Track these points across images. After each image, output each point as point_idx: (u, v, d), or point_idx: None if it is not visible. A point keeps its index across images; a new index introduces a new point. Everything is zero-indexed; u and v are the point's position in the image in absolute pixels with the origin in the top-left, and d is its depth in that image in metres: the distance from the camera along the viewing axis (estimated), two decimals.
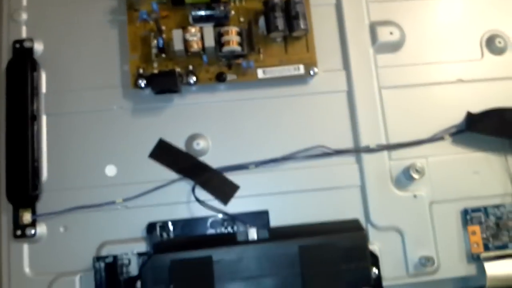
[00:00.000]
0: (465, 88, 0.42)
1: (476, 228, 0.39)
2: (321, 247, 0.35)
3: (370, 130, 0.40)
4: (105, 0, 0.41)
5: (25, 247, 0.37)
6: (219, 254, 0.34)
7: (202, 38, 0.38)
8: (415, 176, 0.38)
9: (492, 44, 0.42)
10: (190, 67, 0.39)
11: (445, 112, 0.41)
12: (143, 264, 0.36)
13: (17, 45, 0.40)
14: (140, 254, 0.37)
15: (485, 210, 0.39)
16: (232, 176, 0.39)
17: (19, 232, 0.37)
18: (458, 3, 0.43)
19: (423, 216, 0.39)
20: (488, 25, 0.43)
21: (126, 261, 0.37)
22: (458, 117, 0.41)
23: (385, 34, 0.41)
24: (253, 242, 0.36)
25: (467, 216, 0.39)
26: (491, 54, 0.42)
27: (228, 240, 0.36)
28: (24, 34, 0.41)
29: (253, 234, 0.36)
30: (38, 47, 0.40)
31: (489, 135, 0.40)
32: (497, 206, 0.39)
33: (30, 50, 0.40)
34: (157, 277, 0.34)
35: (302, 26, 0.39)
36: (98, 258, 0.36)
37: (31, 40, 0.40)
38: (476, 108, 0.40)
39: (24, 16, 0.41)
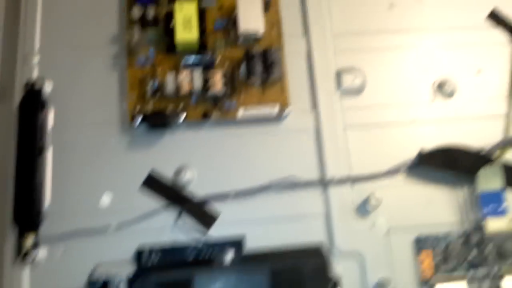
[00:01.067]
0: (419, 127, 0.47)
1: (429, 253, 0.44)
2: (289, 271, 0.41)
3: (335, 164, 0.45)
4: (109, 46, 0.46)
5: (27, 270, 0.41)
6: (199, 278, 0.40)
7: (191, 81, 0.44)
8: (374, 205, 0.44)
9: (442, 89, 0.48)
10: (180, 106, 0.44)
11: (401, 148, 0.46)
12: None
13: (29, 86, 0.45)
14: (129, 278, 0.41)
15: (436, 237, 0.44)
16: (214, 204, 0.44)
17: (22, 255, 0.41)
18: (413, 53, 0.49)
19: (381, 242, 0.44)
20: (439, 72, 0.49)
21: (116, 285, 0.40)
22: (412, 153, 0.46)
23: (349, 80, 0.47)
24: (228, 266, 0.41)
25: (420, 243, 0.44)
26: (441, 98, 0.48)
27: (208, 263, 0.41)
28: (35, 75, 0.46)
29: (229, 258, 0.41)
30: (48, 87, 0.45)
31: (439, 170, 0.46)
32: (447, 234, 0.44)
33: (40, 90, 0.45)
34: None
35: (277, 72, 0.45)
36: (90, 282, 0.40)
37: (41, 81, 0.45)
38: (428, 145, 0.46)
39: (36, 59, 0.46)
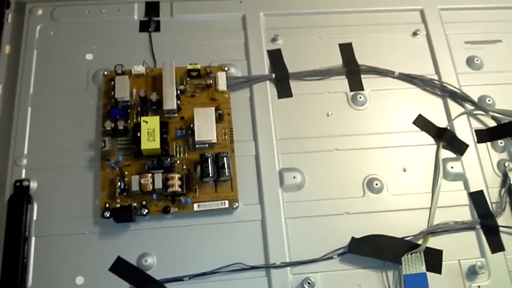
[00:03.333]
0: (351, 219, 0.54)
1: None
2: None
3: (277, 250, 0.52)
4: (86, 151, 0.55)
5: None
6: None
7: (153, 181, 0.52)
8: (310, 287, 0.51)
9: (371, 186, 0.56)
10: (144, 202, 0.52)
11: (335, 237, 0.53)
12: None
13: (17, 184, 0.53)
14: None
15: None
16: (171, 286, 0.50)
17: None
18: (346, 154, 0.57)
19: None
20: (368, 171, 0.57)
21: None
22: (345, 241, 0.53)
23: (290, 178, 0.55)
24: None
25: None
26: (370, 193, 0.56)
27: None
28: (23, 175, 0.54)
29: None
30: (33, 185, 0.53)
31: (367, 256, 0.52)
32: None
33: (27, 187, 0.53)
34: None
35: (227, 173, 0.53)
36: None
37: (28, 180, 0.53)
38: (359, 234, 0.53)
39: (24, 161, 0.55)
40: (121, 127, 0.54)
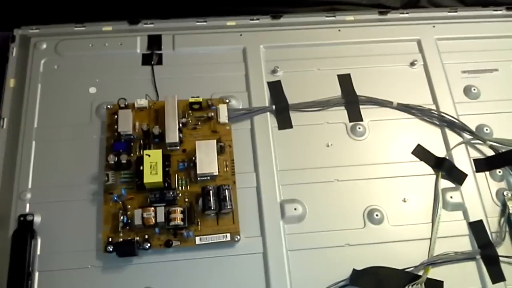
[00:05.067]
0: (352, 250, 0.55)
1: None
2: None
3: (279, 283, 0.52)
4: (89, 184, 0.56)
5: None
6: None
7: (155, 215, 0.52)
8: None
9: (372, 217, 0.57)
10: (146, 236, 0.53)
11: (336, 269, 0.53)
12: None
13: (22, 218, 0.53)
14: None
15: None
16: None
17: None
18: (346, 185, 0.58)
19: None
20: (369, 202, 0.58)
21: None
22: (346, 273, 0.53)
23: (291, 210, 0.56)
24: None
25: None
26: (371, 224, 0.57)
27: None
28: (27, 209, 0.55)
29: None
30: (37, 219, 0.54)
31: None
32: None
33: (31, 222, 0.53)
34: None
35: (228, 206, 0.53)
36: None
37: (32, 215, 0.54)
38: (360, 266, 0.54)
39: (28, 195, 0.55)
40: (124, 161, 0.54)
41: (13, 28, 0.67)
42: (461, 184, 0.59)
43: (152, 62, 0.65)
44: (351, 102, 0.63)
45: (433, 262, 0.54)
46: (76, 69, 0.64)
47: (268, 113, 0.62)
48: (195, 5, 0.72)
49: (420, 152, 0.61)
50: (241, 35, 0.67)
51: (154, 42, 0.66)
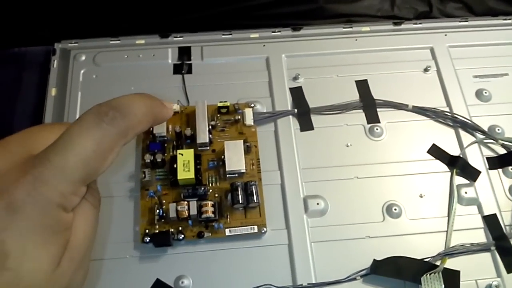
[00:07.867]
0: (372, 242, 0.58)
1: None
2: None
3: (304, 272, 0.56)
4: (127, 182, 0.60)
5: None
6: None
7: (188, 208, 0.57)
8: None
9: (390, 211, 0.60)
10: (180, 228, 0.57)
11: (357, 259, 0.56)
12: None
13: None
14: None
15: None
16: None
17: None
18: (366, 182, 0.62)
19: None
20: (387, 197, 0.61)
21: None
22: (367, 263, 0.56)
23: (314, 205, 0.60)
24: None
25: None
26: (390, 218, 0.60)
27: None
28: None
29: None
30: None
31: (389, 277, 0.56)
32: None
33: None
34: None
35: (255, 200, 0.57)
36: None
37: None
38: (380, 256, 0.57)
39: None
40: (159, 160, 0.59)
41: (54, 43, 0.73)
42: (475, 181, 0.62)
43: (183, 72, 0.70)
44: (369, 105, 0.67)
45: (450, 252, 0.57)
46: (113, 78, 0.69)
47: (290, 116, 0.66)
48: (221, 21, 0.77)
49: (435, 151, 0.65)
50: (264, 45, 0.72)
51: (184, 53, 0.71)
